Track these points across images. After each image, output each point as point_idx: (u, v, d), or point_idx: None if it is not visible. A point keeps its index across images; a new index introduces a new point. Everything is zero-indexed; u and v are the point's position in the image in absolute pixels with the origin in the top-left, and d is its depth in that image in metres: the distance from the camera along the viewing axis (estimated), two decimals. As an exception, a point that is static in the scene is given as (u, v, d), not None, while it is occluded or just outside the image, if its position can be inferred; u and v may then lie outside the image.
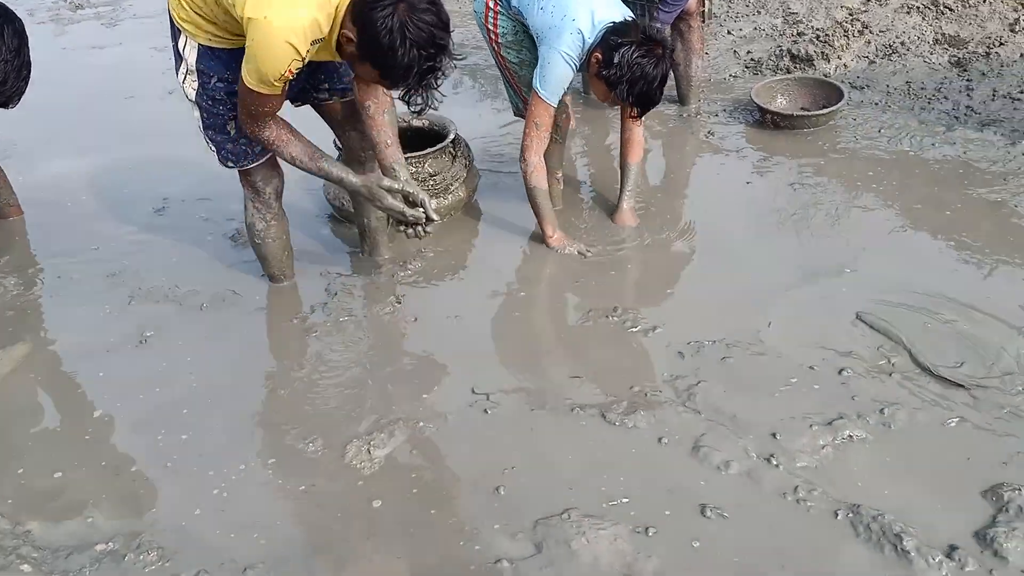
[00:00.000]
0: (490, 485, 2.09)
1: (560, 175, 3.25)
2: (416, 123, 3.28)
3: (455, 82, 4.56)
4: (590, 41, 2.70)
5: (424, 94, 2.19)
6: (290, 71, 2.14)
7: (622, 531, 1.94)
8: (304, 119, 2.62)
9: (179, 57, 2.36)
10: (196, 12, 2.27)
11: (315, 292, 2.88)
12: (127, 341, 2.71)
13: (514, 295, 2.85)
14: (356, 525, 2.02)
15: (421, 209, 2.46)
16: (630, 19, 2.73)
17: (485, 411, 2.33)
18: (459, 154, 3.23)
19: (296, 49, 2.10)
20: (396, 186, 2.44)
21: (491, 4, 2.92)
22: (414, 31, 2.02)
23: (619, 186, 3.18)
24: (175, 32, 2.35)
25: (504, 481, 2.10)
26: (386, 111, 2.49)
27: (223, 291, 2.93)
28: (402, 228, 2.52)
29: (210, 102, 2.40)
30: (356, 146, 2.74)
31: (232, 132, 2.46)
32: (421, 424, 2.29)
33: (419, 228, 2.50)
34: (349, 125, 2.69)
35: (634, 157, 3.11)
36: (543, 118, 2.84)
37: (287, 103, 2.43)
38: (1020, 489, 1.95)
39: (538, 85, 2.78)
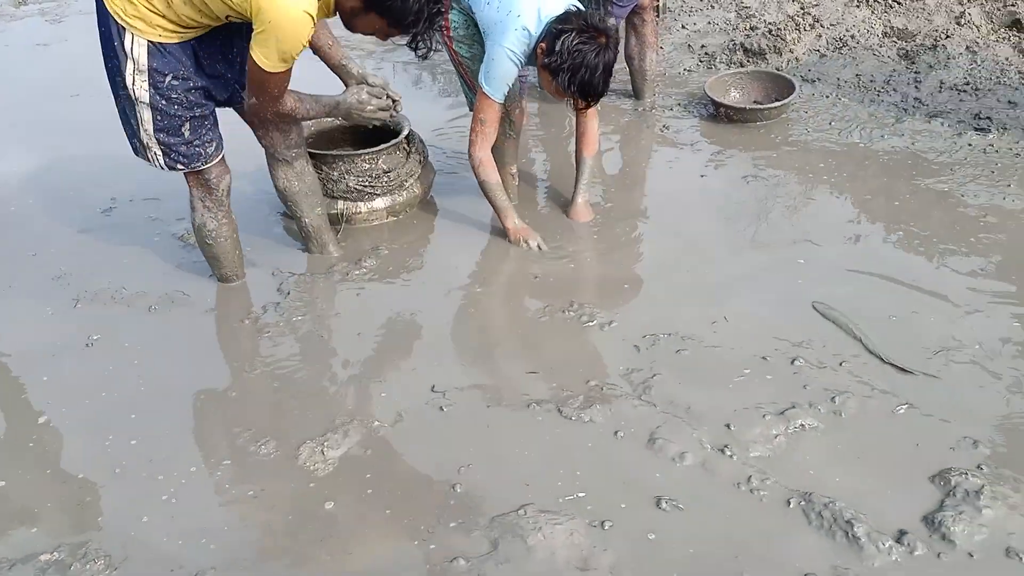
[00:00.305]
0: (446, 483, 2.08)
1: (515, 170, 3.24)
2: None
3: (407, 77, 4.52)
4: (536, 36, 2.68)
5: (429, 37, 2.26)
6: (306, 42, 2.18)
7: (578, 525, 1.94)
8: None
9: (125, 56, 2.27)
10: (147, 7, 2.20)
11: (267, 291, 2.83)
12: (73, 345, 2.64)
13: (470, 291, 2.83)
14: (309, 528, 1.99)
15: (385, 94, 2.70)
16: (574, 9, 2.71)
17: (441, 408, 2.31)
18: (413, 150, 3.20)
19: (312, 17, 2.13)
20: (369, 81, 2.72)
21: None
22: None
23: (574, 180, 3.17)
24: (118, 31, 2.25)
25: (460, 479, 2.09)
26: (335, 43, 2.70)
27: (172, 292, 2.87)
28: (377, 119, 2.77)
29: (165, 102, 2.33)
30: (279, 144, 2.72)
31: (187, 134, 2.41)
32: (376, 423, 2.26)
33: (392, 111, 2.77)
34: (272, 125, 2.66)
35: (589, 151, 3.11)
36: (488, 114, 2.82)
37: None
38: (966, 474, 1.99)
39: (483, 81, 2.76)
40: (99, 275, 2.96)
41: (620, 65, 4.01)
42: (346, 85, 2.77)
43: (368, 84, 2.73)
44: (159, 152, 2.45)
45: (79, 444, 2.29)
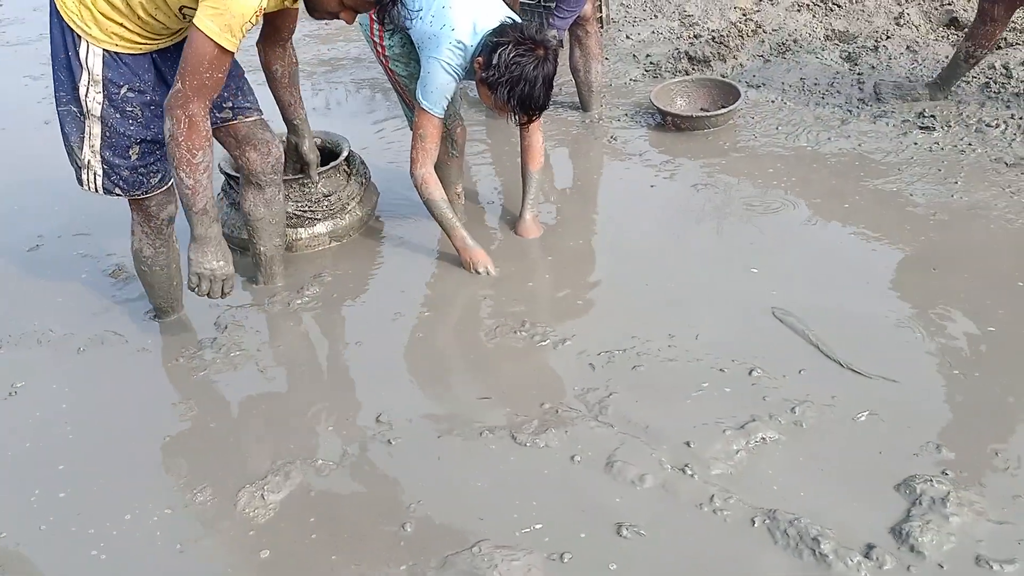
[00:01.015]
0: (395, 523, 1.96)
1: (460, 189, 3.15)
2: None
3: (349, 97, 4.42)
4: (473, 49, 2.61)
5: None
6: (253, 19, 2.02)
7: (536, 560, 1.84)
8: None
9: (80, 67, 2.15)
10: (103, 14, 2.09)
11: (204, 327, 2.70)
12: (-5, 394, 2.48)
13: (419, 316, 2.72)
14: (251, 579, 1.86)
15: (220, 289, 2.37)
16: (510, 22, 2.65)
17: (389, 442, 2.20)
18: (355, 172, 3.09)
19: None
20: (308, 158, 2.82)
21: (374, 17, 2.80)
22: None
23: (521, 196, 3.09)
24: (73, 40, 2.13)
25: (410, 516, 1.97)
26: (291, 72, 2.64)
27: (102, 332, 2.72)
28: None
29: (118, 115, 2.21)
30: (256, 168, 2.61)
31: (133, 157, 2.28)
32: (320, 462, 2.14)
33: None
34: (249, 146, 2.56)
35: (534, 165, 3.03)
36: (428, 129, 2.73)
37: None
38: (931, 480, 1.93)
39: (420, 96, 2.68)
40: (24, 317, 2.80)
41: (566, 77, 4.00)
42: (289, 143, 2.84)
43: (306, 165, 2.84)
44: (99, 171, 2.29)
45: (1, 500, 2.13)
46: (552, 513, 1.96)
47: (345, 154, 3.03)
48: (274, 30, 2.48)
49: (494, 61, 2.50)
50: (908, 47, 4.08)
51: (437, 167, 2.92)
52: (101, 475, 2.18)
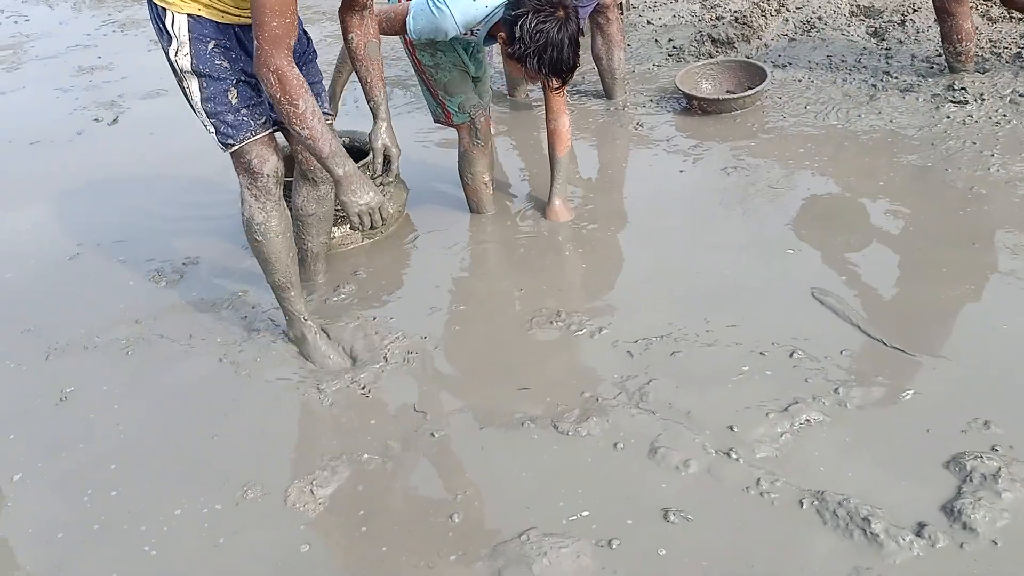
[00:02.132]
0: (443, 513, 1.98)
1: (488, 179, 3.16)
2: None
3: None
4: (492, 12, 2.60)
5: None
6: None
7: (585, 547, 1.85)
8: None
9: (168, 36, 2.19)
10: None
11: (242, 327, 2.73)
12: (45, 400, 2.53)
13: (453, 309, 2.74)
14: (303, 573, 1.89)
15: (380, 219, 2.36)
16: None
17: (432, 434, 2.22)
18: (386, 169, 3.10)
19: None
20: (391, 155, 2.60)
21: None
22: None
23: (550, 181, 3.10)
24: (158, 13, 2.19)
25: (457, 507, 1.99)
26: (366, 44, 2.49)
27: (148, 335, 2.77)
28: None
29: (209, 67, 2.22)
30: (315, 164, 2.59)
31: (234, 101, 2.27)
32: (366, 456, 2.17)
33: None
34: None
35: (561, 149, 3.04)
36: (391, 15, 2.75)
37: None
38: (981, 457, 1.91)
39: (410, 18, 2.69)
40: (70, 325, 2.86)
41: (589, 65, 3.99)
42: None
43: (385, 144, 2.60)
44: (211, 127, 2.30)
45: (56, 501, 2.18)
46: (598, 500, 1.96)
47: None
48: None
49: (518, 34, 2.49)
50: (936, 20, 4.00)
51: (463, 156, 2.95)
52: (151, 474, 2.22)
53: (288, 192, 2.73)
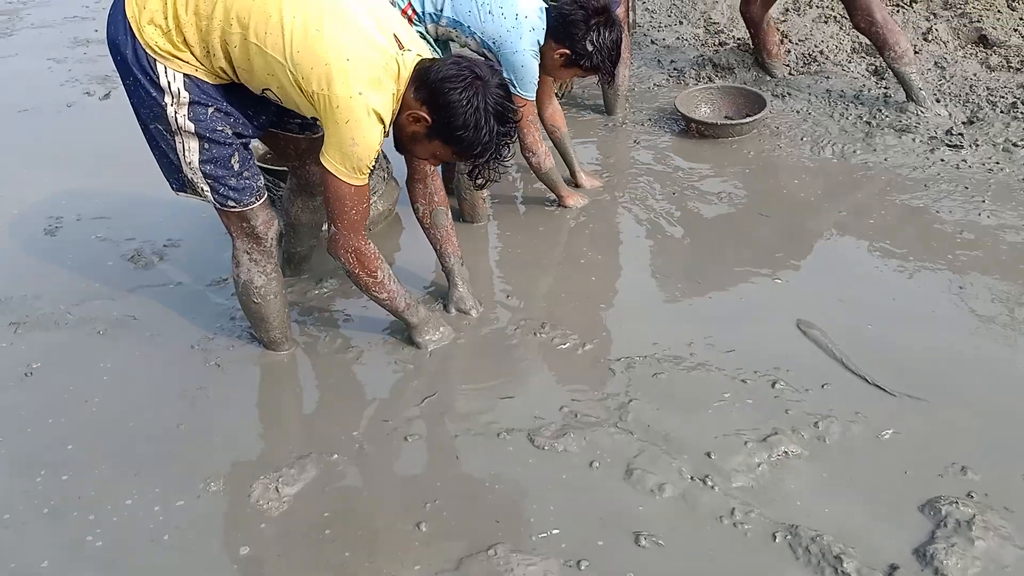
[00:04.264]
0: (411, 521, 1.94)
1: (487, 193, 3.13)
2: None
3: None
4: (541, 27, 2.76)
5: (494, 167, 2.17)
6: (377, 150, 2.07)
7: (552, 566, 1.81)
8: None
9: (161, 90, 2.05)
10: (185, 46, 2.02)
11: (218, 315, 2.68)
12: (10, 374, 2.47)
13: (437, 311, 2.69)
14: (260, 574, 1.84)
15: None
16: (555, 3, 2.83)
17: (405, 439, 2.18)
18: (376, 166, 3.06)
19: (385, 128, 2.05)
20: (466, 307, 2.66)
21: (408, 13, 2.78)
22: (493, 106, 2.04)
23: (564, 160, 3.29)
24: (149, 62, 2.03)
25: (426, 516, 1.95)
26: (435, 211, 2.59)
27: (121, 316, 2.71)
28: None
29: (211, 132, 2.11)
30: (314, 179, 2.53)
31: (236, 166, 2.17)
32: (335, 456, 2.12)
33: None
34: (310, 158, 2.48)
35: (564, 125, 3.27)
36: (534, 112, 2.99)
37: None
38: (957, 502, 1.89)
39: (519, 90, 2.77)
40: (42, 299, 2.79)
41: (590, 80, 3.97)
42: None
43: (461, 310, 2.66)
44: (206, 187, 2.18)
45: (9, 480, 2.12)
46: (570, 519, 1.93)
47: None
48: (409, 163, 2.49)
49: (590, 48, 2.70)
50: (936, 63, 4.03)
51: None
52: (110, 459, 2.16)
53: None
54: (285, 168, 2.75)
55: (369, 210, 2.15)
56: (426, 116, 2.05)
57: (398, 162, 3.26)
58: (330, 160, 2.05)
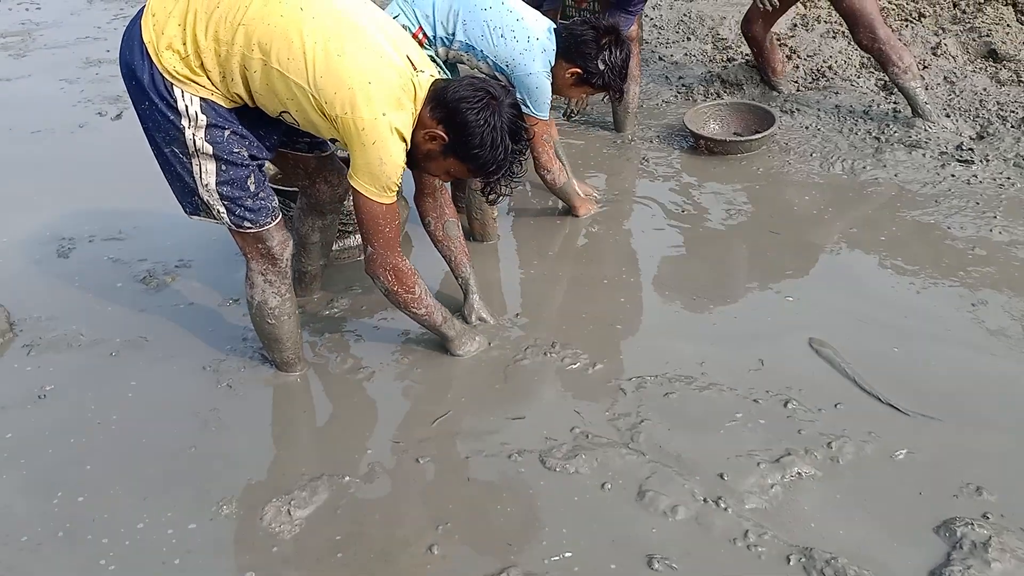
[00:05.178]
0: (423, 544, 1.93)
1: (496, 212, 3.14)
2: (341, 154, 3.13)
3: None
4: (552, 47, 2.80)
5: (507, 183, 2.22)
6: (403, 168, 2.11)
7: (565, 589, 1.80)
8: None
9: (178, 114, 2.06)
10: (202, 71, 2.03)
11: (231, 338, 2.68)
12: (24, 397, 2.48)
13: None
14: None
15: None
16: (565, 22, 2.93)
17: (417, 460, 2.18)
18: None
19: (407, 146, 2.09)
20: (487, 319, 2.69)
21: (419, 37, 2.80)
22: (508, 125, 2.08)
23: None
24: (165, 85, 2.03)
25: (438, 539, 1.95)
26: (444, 225, 2.62)
27: (134, 338, 2.72)
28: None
29: (228, 153, 2.12)
30: (325, 199, 2.57)
31: (252, 187, 2.18)
32: (347, 479, 2.12)
33: None
34: (320, 178, 2.52)
35: (556, 133, 3.30)
36: (550, 131, 3.05)
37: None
38: (972, 524, 1.88)
39: (534, 111, 2.83)
40: (55, 321, 2.81)
41: (599, 97, 3.98)
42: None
43: (481, 319, 2.69)
44: (222, 208, 2.18)
45: (25, 502, 2.13)
46: (582, 542, 1.92)
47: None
48: (417, 178, 2.51)
49: (602, 67, 2.76)
50: (945, 77, 4.03)
51: (476, 194, 3.02)
52: (124, 482, 2.16)
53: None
54: (295, 188, 2.78)
55: (400, 227, 2.19)
56: (443, 134, 2.09)
57: (406, 181, 3.29)
58: (359, 182, 2.09)
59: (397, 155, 2.07)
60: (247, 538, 1.98)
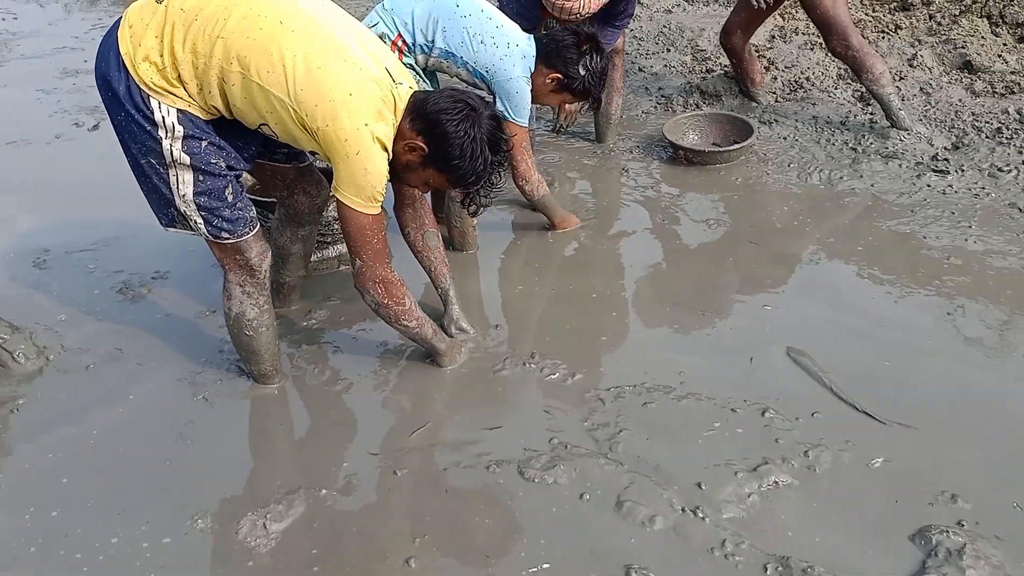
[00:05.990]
0: (400, 557, 1.92)
1: (475, 221, 3.14)
2: (320, 164, 3.12)
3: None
4: (532, 53, 2.81)
5: (487, 193, 2.23)
6: (386, 178, 2.12)
7: (543, 601, 1.80)
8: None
9: (155, 124, 2.04)
10: (179, 83, 2.02)
11: (205, 347, 2.66)
12: (-3, 410, 2.45)
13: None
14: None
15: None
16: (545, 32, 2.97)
17: (395, 472, 2.16)
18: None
19: (388, 156, 2.09)
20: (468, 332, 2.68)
21: (399, 44, 2.80)
22: (487, 136, 2.09)
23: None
24: (142, 97, 2.02)
25: (415, 551, 1.93)
26: (424, 235, 2.58)
27: (110, 350, 2.69)
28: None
29: (206, 164, 2.11)
30: (304, 210, 2.57)
31: (230, 198, 2.17)
32: (324, 492, 2.10)
33: None
34: (299, 189, 2.52)
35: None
36: (527, 139, 2.99)
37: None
38: (947, 531, 1.89)
39: (513, 117, 2.83)
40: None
41: (582, 107, 3.99)
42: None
43: (461, 329, 2.68)
44: (199, 219, 2.16)
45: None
46: (560, 553, 1.92)
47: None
48: (397, 189, 2.50)
49: (582, 72, 2.76)
50: (921, 88, 4.08)
51: (456, 202, 2.99)
52: (98, 497, 2.14)
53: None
54: (273, 199, 2.77)
55: (386, 238, 2.20)
56: (422, 145, 2.09)
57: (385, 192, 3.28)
58: (345, 194, 2.08)
59: (381, 164, 2.07)
60: (222, 552, 1.96)
